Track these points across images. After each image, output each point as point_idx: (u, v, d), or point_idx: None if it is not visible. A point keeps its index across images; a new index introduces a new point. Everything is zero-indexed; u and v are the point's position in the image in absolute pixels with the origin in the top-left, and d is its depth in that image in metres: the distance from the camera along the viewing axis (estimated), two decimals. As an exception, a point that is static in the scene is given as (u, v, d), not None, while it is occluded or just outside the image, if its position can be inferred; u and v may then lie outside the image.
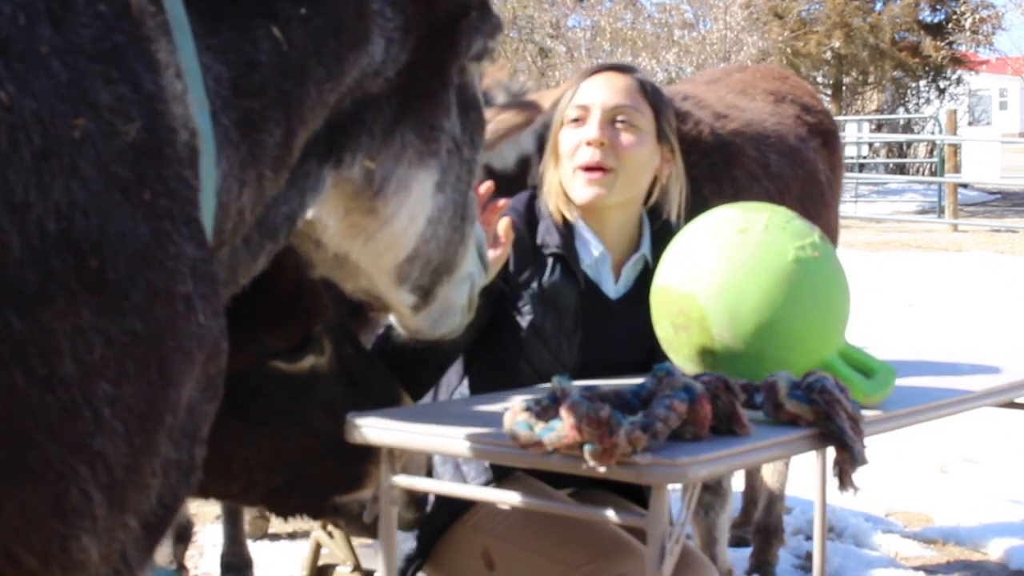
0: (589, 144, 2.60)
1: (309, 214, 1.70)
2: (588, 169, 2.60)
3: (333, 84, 1.54)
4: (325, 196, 1.68)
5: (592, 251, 2.66)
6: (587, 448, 1.79)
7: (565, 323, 2.58)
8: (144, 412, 1.12)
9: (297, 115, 1.48)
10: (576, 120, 2.64)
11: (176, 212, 1.17)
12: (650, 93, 2.70)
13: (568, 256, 2.62)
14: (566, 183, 2.65)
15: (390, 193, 1.71)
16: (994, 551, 4.56)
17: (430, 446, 2.12)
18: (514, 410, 1.89)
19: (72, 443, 1.07)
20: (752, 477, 4.47)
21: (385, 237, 1.77)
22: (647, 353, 2.58)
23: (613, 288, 2.69)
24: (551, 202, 2.65)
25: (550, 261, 2.60)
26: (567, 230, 2.64)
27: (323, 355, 2.19)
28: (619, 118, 2.63)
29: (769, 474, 4.27)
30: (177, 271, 1.15)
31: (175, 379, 1.15)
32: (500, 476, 2.39)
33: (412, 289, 1.89)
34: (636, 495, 2.63)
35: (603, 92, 2.65)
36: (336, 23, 1.53)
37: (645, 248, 2.71)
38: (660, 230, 2.71)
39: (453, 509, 2.49)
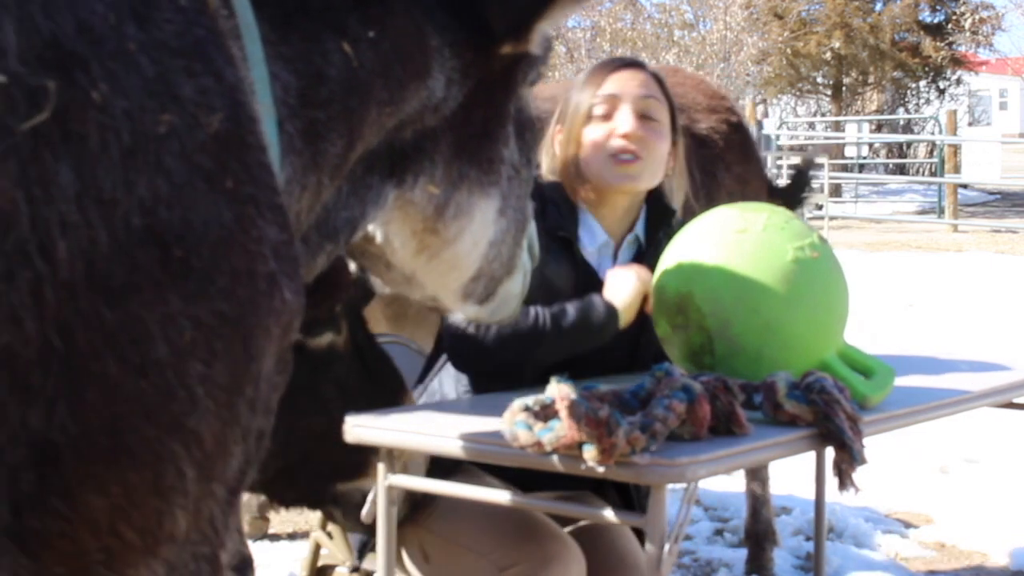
0: (624, 137, 2.66)
1: (379, 236, 1.78)
2: (622, 154, 2.66)
3: (393, 109, 1.59)
4: (390, 215, 1.74)
5: (596, 237, 2.72)
6: (586, 448, 1.79)
7: (555, 303, 2.59)
8: (230, 387, 1.18)
9: (358, 131, 1.54)
10: (604, 114, 2.70)
11: (259, 197, 1.22)
12: (665, 87, 2.79)
13: (573, 240, 2.68)
14: (592, 173, 2.69)
15: (451, 218, 1.77)
16: (994, 551, 4.55)
17: (428, 446, 2.13)
18: (513, 410, 1.89)
19: (168, 424, 1.12)
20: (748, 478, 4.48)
21: (449, 258, 1.82)
22: (635, 335, 2.61)
23: None
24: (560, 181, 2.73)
25: (554, 245, 2.62)
26: (572, 215, 2.69)
27: (340, 335, 2.24)
28: (646, 111, 2.70)
29: (751, 479, 4.29)
30: (260, 253, 1.20)
31: (256, 354, 1.21)
32: (448, 471, 2.41)
33: (476, 301, 1.97)
34: (624, 501, 2.64)
35: (631, 85, 2.72)
36: (401, 51, 1.58)
37: (639, 229, 2.77)
38: (656, 210, 2.75)
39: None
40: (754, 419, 2.04)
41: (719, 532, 4.79)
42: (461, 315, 2.12)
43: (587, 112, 2.71)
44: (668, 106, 2.76)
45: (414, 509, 2.42)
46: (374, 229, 1.78)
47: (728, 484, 5.06)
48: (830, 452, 2.09)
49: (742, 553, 4.38)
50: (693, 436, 1.91)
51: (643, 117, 2.69)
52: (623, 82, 2.72)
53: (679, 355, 2.37)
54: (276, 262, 1.22)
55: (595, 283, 2.65)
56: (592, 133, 2.70)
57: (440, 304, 2.00)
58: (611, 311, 2.51)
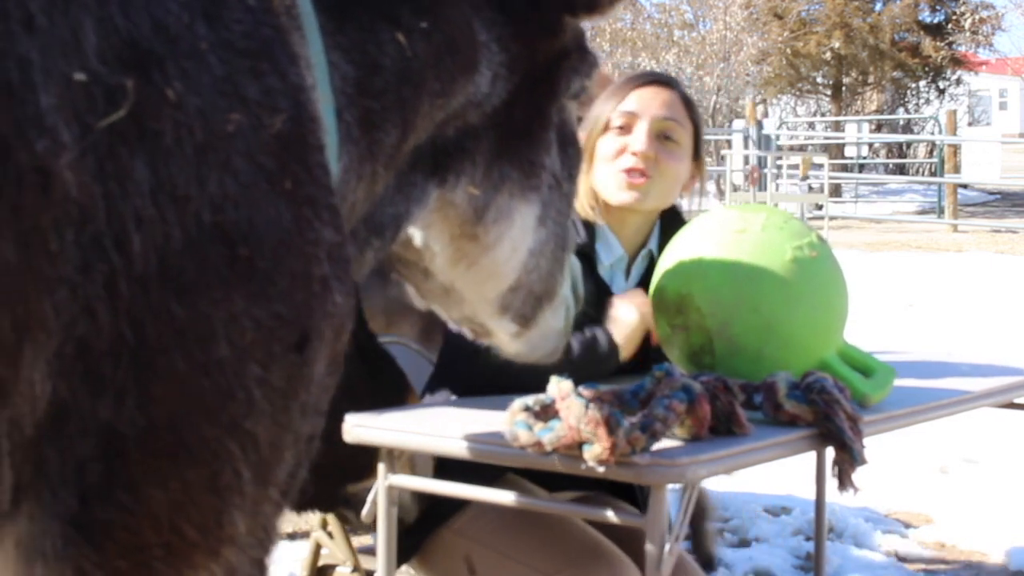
0: (635, 155, 2.64)
1: (417, 239, 1.77)
2: (630, 173, 2.64)
3: (443, 101, 1.59)
4: (430, 217, 1.72)
5: (613, 251, 2.71)
6: (586, 448, 1.79)
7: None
8: (286, 391, 1.19)
9: (411, 122, 1.54)
10: (621, 127, 2.68)
11: (316, 198, 1.22)
12: (693, 109, 2.76)
13: (590, 254, 2.66)
14: (600, 185, 2.69)
15: (491, 221, 1.75)
16: (994, 551, 4.55)
17: (429, 446, 2.13)
18: (513, 410, 1.89)
19: (227, 424, 1.14)
20: None
21: (487, 265, 1.80)
22: (643, 351, 2.59)
23: (624, 287, 2.71)
24: (578, 203, 2.69)
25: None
26: (589, 229, 2.68)
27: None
28: (665, 132, 2.68)
29: None
30: (315, 256, 1.21)
31: (310, 358, 1.22)
32: (492, 479, 2.39)
33: (514, 318, 1.92)
34: (635, 500, 2.63)
35: (652, 104, 2.69)
36: (452, 43, 1.59)
37: (652, 244, 2.76)
38: (671, 225, 2.74)
39: (441, 512, 2.50)
40: (754, 419, 2.04)
41: (719, 532, 4.79)
42: (502, 347, 2.03)
43: (605, 124, 2.69)
44: (692, 128, 2.72)
45: (433, 510, 2.40)
46: (414, 232, 1.77)
47: (728, 484, 5.06)
48: (830, 452, 2.09)
49: (742, 553, 4.38)
50: (693, 436, 1.91)
51: (660, 137, 2.67)
52: (646, 99, 2.69)
53: (679, 355, 2.37)
54: (330, 265, 1.23)
55: (607, 296, 2.64)
56: (606, 146, 2.68)
57: (477, 323, 1.96)
58: (613, 347, 2.49)
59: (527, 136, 1.78)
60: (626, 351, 2.51)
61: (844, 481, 2.07)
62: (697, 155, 2.75)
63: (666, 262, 2.42)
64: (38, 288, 1.03)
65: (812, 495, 2.14)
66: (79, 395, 1.08)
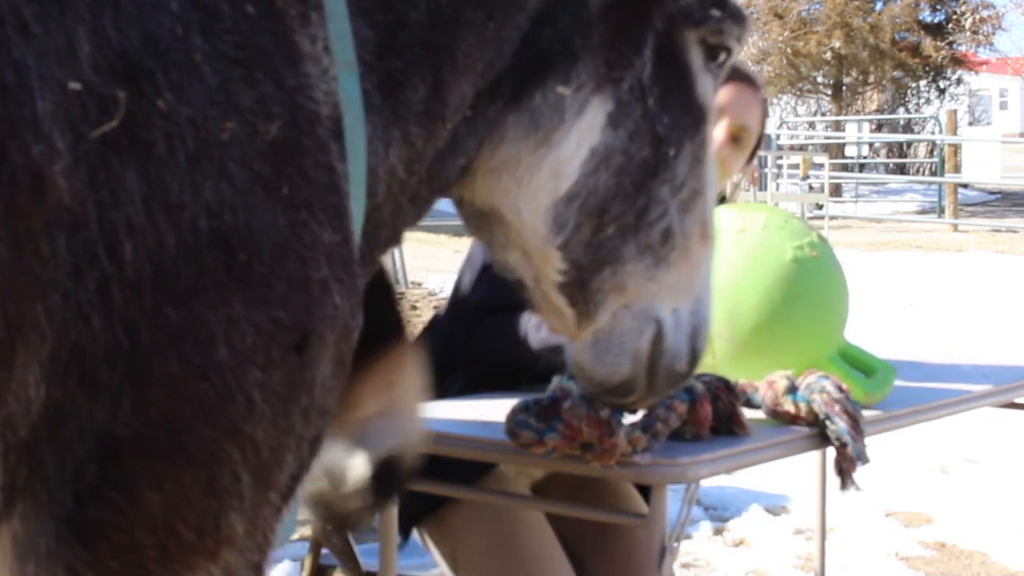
0: None
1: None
2: None
3: (499, 22, 1.49)
4: (500, 135, 1.58)
5: None
6: (587, 448, 1.79)
7: None
8: (286, 395, 1.19)
9: (448, 65, 1.45)
10: None
11: (313, 201, 1.22)
12: (766, 116, 2.77)
13: None
14: None
15: (569, 117, 1.57)
16: (994, 551, 4.56)
17: (430, 445, 2.12)
18: (515, 410, 1.89)
19: (225, 427, 1.14)
20: None
21: (550, 164, 1.58)
22: None
23: None
24: None
25: None
26: None
27: None
28: (739, 135, 2.69)
29: None
30: (313, 258, 1.21)
31: (311, 361, 1.22)
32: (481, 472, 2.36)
33: (567, 260, 1.61)
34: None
35: (739, 105, 2.69)
36: None
37: None
38: None
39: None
40: (755, 419, 2.04)
41: (719, 532, 4.79)
42: (566, 333, 1.72)
43: None
44: (758, 135, 2.72)
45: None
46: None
47: (728, 484, 5.06)
48: (831, 452, 2.09)
49: (742, 553, 4.38)
50: (694, 436, 1.92)
51: (734, 139, 2.67)
52: (735, 97, 2.68)
53: (680, 355, 2.37)
54: (329, 267, 1.22)
55: None
56: None
57: (527, 275, 1.68)
58: None
59: (620, 23, 1.59)
60: None
61: (845, 480, 2.07)
62: (749, 160, 2.76)
63: (667, 262, 2.42)
64: (30, 291, 1.04)
65: (812, 495, 2.14)
66: (75, 398, 1.09)
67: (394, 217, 1.51)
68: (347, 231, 1.29)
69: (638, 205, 1.60)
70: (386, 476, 1.71)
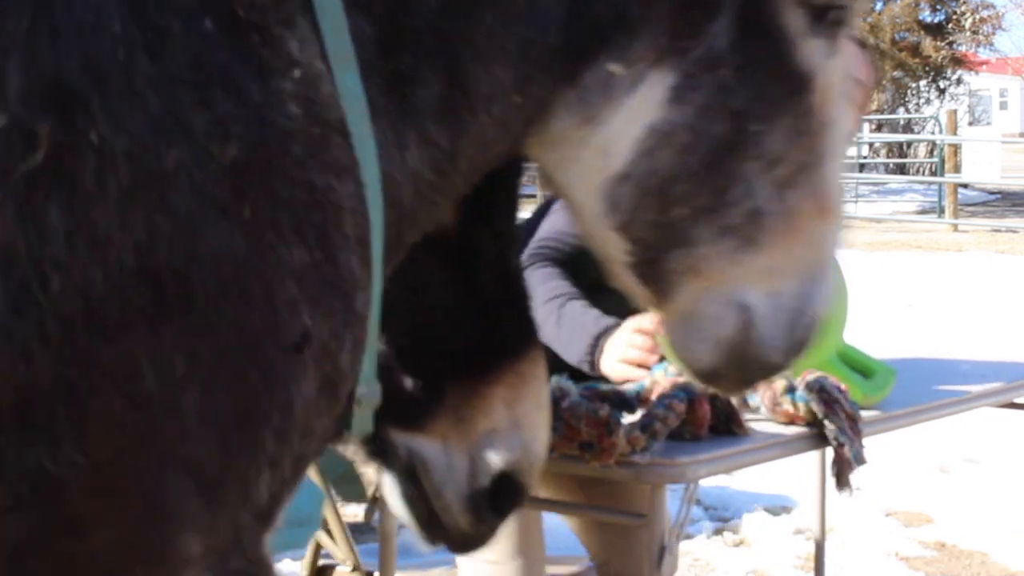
0: None
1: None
2: None
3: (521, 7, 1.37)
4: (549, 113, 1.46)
5: None
6: (586, 448, 1.79)
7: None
8: (242, 415, 1.16)
9: (467, 51, 1.34)
10: None
11: (281, 221, 1.17)
12: (874, 73, 2.74)
13: None
14: None
15: (618, 93, 1.44)
16: (994, 551, 4.56)
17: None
18: (513, 410, 1.88)
19: (160, 455, 1.12)
20: None
21: (597, 142, 1.46)
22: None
23: None
24: None
25: None
26: None
27: None
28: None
29: None
30: (278, 279, 1.16)
31: (278, 382, 1.17)
32: None
33: (631, 239, 1.50)
34: None
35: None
36: None
37: None
38: None
39: None
40: (754, 419, 2.04)
41: (719, 532, 4.79)
42: (647, 306, 1.62)
43: None
44: (866, 88, 2.69)
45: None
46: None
47: (728, 484, 5.06)
48: (830, 451, 2.09)
49: (742, 553, 4.38)
50: (693, 436, 1.92)
51: None
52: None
53: (679, 355, 2.37)
54: (299, 288, 1.18)
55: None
56: None
57: (590, 243, 1.58)
58: (593, 363, 2.34)
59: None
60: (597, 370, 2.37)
61: (842, 480, 2.07)
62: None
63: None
64: None
65: (812, 495, 2.14)
66: (16, 443, 1.07)
67: (432, 216, 1.44)
68: (330, 249, 1.22)
69: (714, 184, 1.46)
70: (504, 492, 1.62)
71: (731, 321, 1.53)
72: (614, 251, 1.52)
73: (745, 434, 1.98)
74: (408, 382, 1.63)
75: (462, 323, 1.65)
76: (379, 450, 1.64)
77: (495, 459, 1.60)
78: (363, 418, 1.41)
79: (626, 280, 1.54)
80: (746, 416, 2.02)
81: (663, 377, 2.00)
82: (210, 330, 1.13)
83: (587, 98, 1.45)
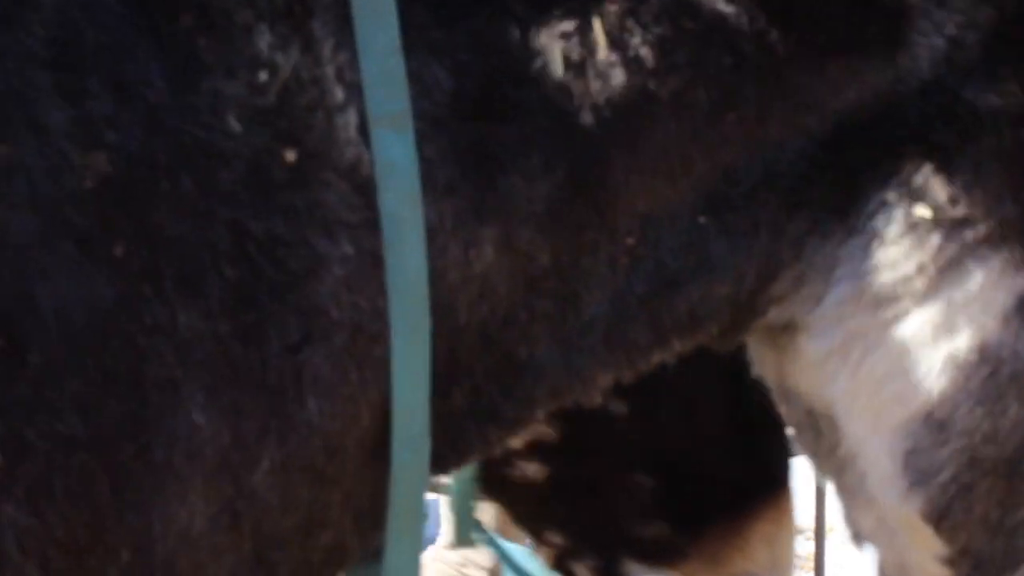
0: None
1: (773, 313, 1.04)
2: None
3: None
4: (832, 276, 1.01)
5: None
6: (585, 448, 1.78)
7: None
8: (78, 545, 0.82)
9: (619, 150, 0.94)
10: None
11: (163, 270, 0.84)
12: None
13: None
14: None
15: (932, 273, 0.97)
16: (994, 551, 4.54)
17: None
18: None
19: None
20: None
21: (893, 350, 0.97)
22: None
23: None
24: None
25: None
26: None
27: None
28: None
29: None
30: (154, 349, 0.83)
31: (143, 503, 0.83)
32: None
33: (951, 543, 1.03)
34: None
35: None
36: None
37: None
38: None
39: None
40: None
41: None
42: None
43: None
44: None
45: None
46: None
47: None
48: (829, 452, 2.08)
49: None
50: (692, 436, 1.91)
51: None
52: None
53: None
54: (183, 366, 0.84)
55: None
56: None
57: (875, 541, 1.16)
58: None
59: None
60: None
61: (841, 480, 2.05)
62: None
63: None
64: None
65: (812, 495, 2.13)
66: None
67: (552, 359, 1.02)
68: (246, 322, 0.87)
69: None
70: None
71: None
72: (921, 559, 1.06)
73: (744, 434, 1.97)
74: (661, 525, 1.34)
75: (731, 450, 1.37)
76: None
77: None
78: None
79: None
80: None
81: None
82: (49, 410, 0.80)
83: (867, 269, 1.04)
